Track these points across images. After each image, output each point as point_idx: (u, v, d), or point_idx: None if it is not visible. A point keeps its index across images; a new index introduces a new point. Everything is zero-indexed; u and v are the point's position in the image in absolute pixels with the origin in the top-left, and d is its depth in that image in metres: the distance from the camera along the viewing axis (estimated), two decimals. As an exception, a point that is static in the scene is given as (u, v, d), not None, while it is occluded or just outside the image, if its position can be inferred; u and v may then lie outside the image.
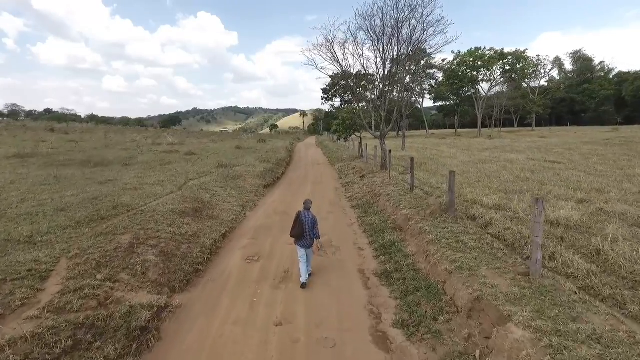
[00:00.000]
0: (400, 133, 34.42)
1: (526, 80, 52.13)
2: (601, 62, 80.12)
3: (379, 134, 15.49)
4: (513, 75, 45.41)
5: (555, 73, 72.96)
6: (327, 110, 64.17)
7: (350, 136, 23.01)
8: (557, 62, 70.27)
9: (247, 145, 34.77)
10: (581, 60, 78.07)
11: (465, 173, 13.67)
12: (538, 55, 52.86)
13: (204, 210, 9.11)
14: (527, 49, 45.27)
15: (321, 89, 53.84)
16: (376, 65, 14.94)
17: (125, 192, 10.38)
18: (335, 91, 50.53)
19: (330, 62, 15.11)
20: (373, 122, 15.88)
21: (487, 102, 46.98)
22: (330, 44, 14.91)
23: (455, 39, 14.57)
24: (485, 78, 45.48)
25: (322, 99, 53.98)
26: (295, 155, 29.94)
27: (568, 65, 78.82)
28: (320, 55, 15.00)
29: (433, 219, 7.36)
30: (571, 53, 77.59)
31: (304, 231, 5.62)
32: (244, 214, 9.97)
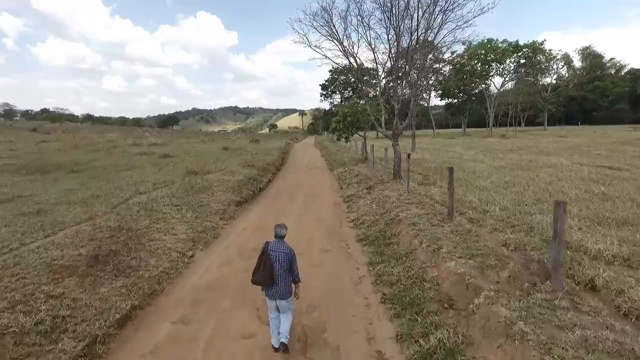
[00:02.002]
0: (409, 132, 30.85)
1: (538, 76, 48.40)
2: (611, 59, 76.63)
3: (391, 132, 11.95)
4: (528, 70, 41.64)
5: (563, 70, 69.31)
6: (326, 109, 60.43)
7: (352, 135, 19.43)
8: (566, 59, 66.40)
9: (237, 146, 31.25)
10: (591, 56, 74.38)
11: (509, 185, 10.13)
12: (550, 50, 49.23)
13: (117, 256, 5.55)
14: (545, 40, 41.52)
15: (319, 85, 50.20)
16: (388, 43, 11.40)
17: (13, 221, 6.85)
18: (334, 87, 46.90)
19: (328, 38, 11.58)
20: (383, 117, 12.32)
21: (498, 99, 43.38)
22: (328, 13, 11.38)
23: (492, 8, 11.03)
24: (498, 72, 41.78)
25: (321, 96, 50.28)
26: (289, 158, 26.39)
27: (576, 62, 75.15)
28: (315, 28, 11.45)
29: (522, 294, 3.80)
30: (580, 49, 73.79)
31: (273, 274, 3.65)
32: (190, 255, 6.39)
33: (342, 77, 44.65)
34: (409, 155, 9.67)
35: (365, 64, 12.29)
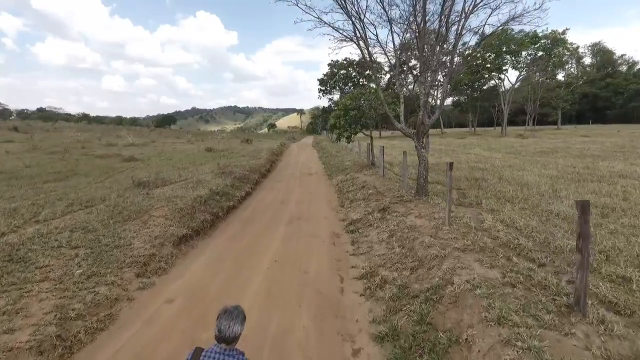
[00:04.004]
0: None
1: (557, 71, 44.70)
2: (622, 55, 73.39)
3: (413, 131, 8.36)
4: (547, 64, 37.93)
5: (572, 68, 65.71)
6: (325, 106, 56.73)
7: (355, 134, 15.84)
8: (575, 55, 62.71)
9: (223, 146, 27.69)
10: (601, 53, 70.91)
11: (604, 212, 6.54)
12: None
13: None
14: (567, 29, 37.67)
15: (317, 80, 46.43)
16: (413, 5, 7.81)
17: None
18: (334, 82, 43.17)
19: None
20: (402, 110, 8.70)
21: (513, 95, 39.69)
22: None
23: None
24: (513, 65, 38.07)
25: (319, 92, 46.48)
26: (282, 161, 22.78)
27: (586, 59, 71.65)
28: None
29: None
30: (590, 45, 70.33)
31: None
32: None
33: (342, 72, 41.04)
34: (451, 165, 6.01)
35: (377, 28, 8.66)
